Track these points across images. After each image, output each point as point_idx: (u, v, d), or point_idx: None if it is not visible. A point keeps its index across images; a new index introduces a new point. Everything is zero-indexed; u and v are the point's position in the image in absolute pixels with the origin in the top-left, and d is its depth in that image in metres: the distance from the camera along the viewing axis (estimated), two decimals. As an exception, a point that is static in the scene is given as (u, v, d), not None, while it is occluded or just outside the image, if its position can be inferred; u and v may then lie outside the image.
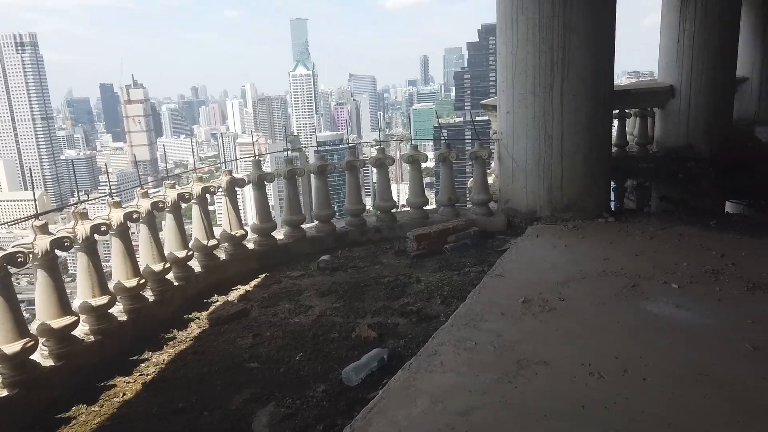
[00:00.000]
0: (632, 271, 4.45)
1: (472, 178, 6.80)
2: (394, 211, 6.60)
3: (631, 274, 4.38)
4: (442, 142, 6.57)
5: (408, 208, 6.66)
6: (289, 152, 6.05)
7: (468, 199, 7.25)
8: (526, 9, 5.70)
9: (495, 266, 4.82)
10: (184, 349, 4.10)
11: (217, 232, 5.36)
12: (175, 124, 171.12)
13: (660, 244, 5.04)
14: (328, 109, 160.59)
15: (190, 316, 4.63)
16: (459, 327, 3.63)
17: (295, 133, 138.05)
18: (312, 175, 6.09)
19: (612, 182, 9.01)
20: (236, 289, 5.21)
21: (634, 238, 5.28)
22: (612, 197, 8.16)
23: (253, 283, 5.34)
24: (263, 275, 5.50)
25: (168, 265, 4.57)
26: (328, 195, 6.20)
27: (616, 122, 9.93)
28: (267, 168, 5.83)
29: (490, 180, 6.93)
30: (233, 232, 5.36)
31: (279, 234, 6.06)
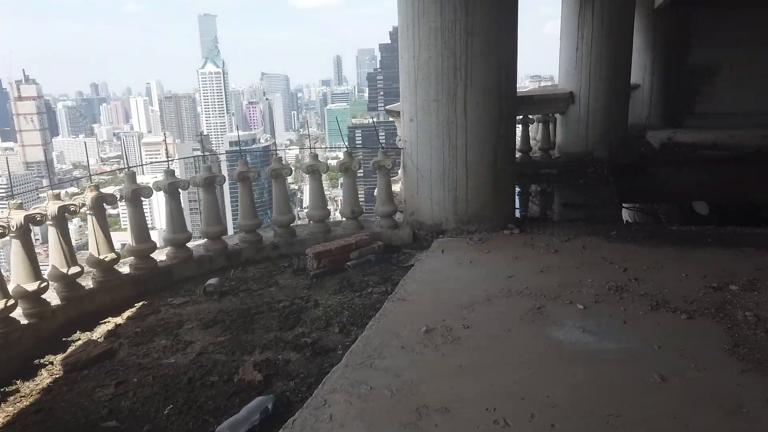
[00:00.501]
0: (537, 290, 4.22)
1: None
2: (294, 225, 6.09)
3: (537, 294, 4.14)
4: (344, 150, 6.14)
5: (309, 222, 6.18)
6: (202, 155, 5.38)
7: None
8: (427, 12, 5.38)
9: (397, 288, 4.44)
10: (26, 406, 3.38)
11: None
12: (73, 123, 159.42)
13: (564, 259, 4.88)
14: (239, 108, 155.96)
15: (42, 360, 3.89)
16: (354, 367, 3.20)
17: (205, 133, 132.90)
18: (199, 189, 5.45)
19: (517, 188, 8.99)
20: (105, 322, 4.49)
21: (539, 252, 5.10)
22: (517, 203, 8.11)
23: (127, 314, 4.64)
24: (140, 304, 4.81)
25: (12, 302, 3.80)
26: (218, 209, 5.59)
27: (519, 128, 9.96)
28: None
29: (397, 189, 6.57)
30: (102, 256, 4.63)
31: (161, 255, 5.37)
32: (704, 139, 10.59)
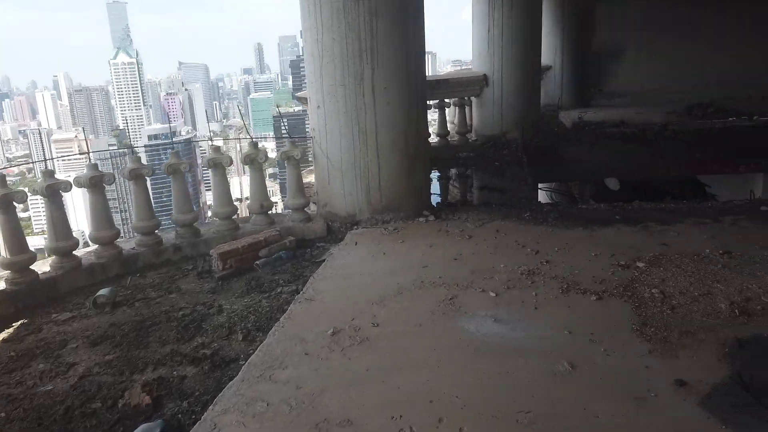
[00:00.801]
0: (451, 278, 4.06)
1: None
2: (198, 223, 5.65)
3: (450, 283, 3.99)
4: (251, 141, 5.74)
5: (216, 219, 5.76)
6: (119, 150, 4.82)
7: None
8: (327, -9, 5.06)
9: (306, 287, 4.16)
10: None
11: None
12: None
13: (478, 244, 4.76)
14: (157, 100, 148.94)
15: None
16: (251, 381, 2.90)
17: (121, 127, 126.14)
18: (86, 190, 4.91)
19: (437, 172, 8.88)
20: (-26, 348, 3.94)
21: (453, 239, 4.96)
22: (438, 189, 7.99)
23: (2, 336, 4.10)
24: (19, 323, 4.27)
25: None
26: (108, 211, 5.07)
27: (436, 112, 9.85)
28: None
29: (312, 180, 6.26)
30: (-33, 273, 4.06)
31: (45, 265, 4.81)
32: (612, 117, 10.91)
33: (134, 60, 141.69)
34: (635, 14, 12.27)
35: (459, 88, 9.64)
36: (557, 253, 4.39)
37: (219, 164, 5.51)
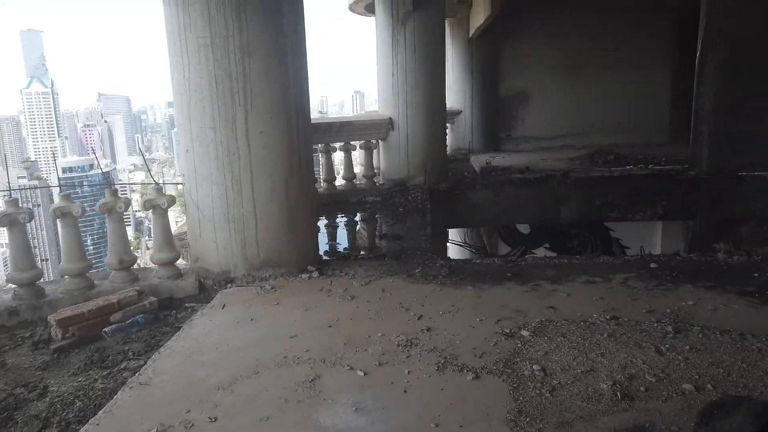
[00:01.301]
0: (319, 352, 3.53)
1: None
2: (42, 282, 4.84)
3: (317, 359, 3.45)
4: (111, 188, 5.04)
5: (65, 278, 4.96)
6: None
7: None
8: (194, 26, 4.55)
9: (145, 366, 3.49)
10: None
11: None
12: None
13: (359, 307, 4.27)
14: (74, 131, 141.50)
15: None
16: None
17: (32, 159, 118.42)
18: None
19: (343, 217, 8.42)
20: None
21: (334, 300, 4.45)
22: (346, 234, 7.51)
23: None
24: None
25: None
26: None
27: (342, 155, 9.47)
28: None
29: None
30: None
31: None
32: (519, 162, 10.94)
33: (49, 89, 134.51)
34: (541, 61, 12.57)
35: (364, 131, 9.33)
36: (441, 318, 3.97)
37: (68, 214, 4.76)
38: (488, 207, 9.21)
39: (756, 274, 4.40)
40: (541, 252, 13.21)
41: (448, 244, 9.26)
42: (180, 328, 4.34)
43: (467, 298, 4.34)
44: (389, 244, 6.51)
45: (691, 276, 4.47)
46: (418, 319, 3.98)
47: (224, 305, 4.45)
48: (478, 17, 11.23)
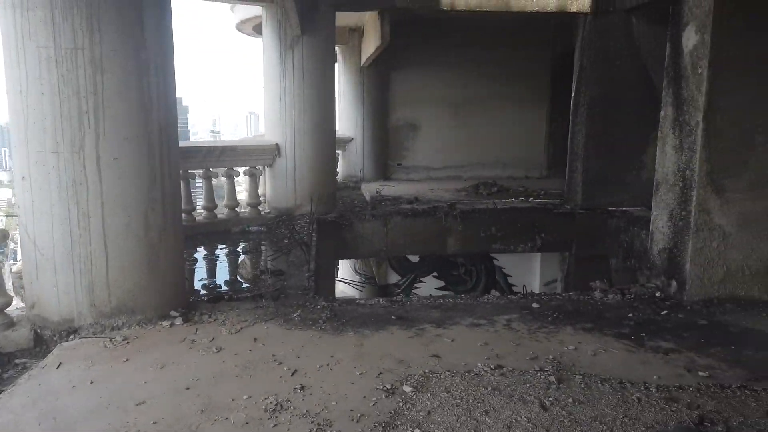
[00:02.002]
0: (170, 424, 2.97)
1: None
2: None
3: (166, 433, 2.89)
4: None
5: None
6: None
7: None
8: (36, 34, 3.85)
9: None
10: None
11: None
12: None
13: (225, 362, 3.74)
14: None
15: None
16: None
17: None
18: None
19: (224, 248, 7.76)
20: None
21: (197, 354, 3.88)
22: (227, 266, 6.88)
23: None
24: None
25: None
26: None
27: (224, 180, 8.84)
28: None
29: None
30: None
31: None
32: (408, 192, 10.88)
33: None
34: (430, 93, 12.73)
35: (249, 156, 8.77)
36: (318, 373, 3.55)
37: None
38: (377, 238, 8.97)
39: (630, 314, 4.45)
40: (430, 280, 13.25)
41: (336, 280, 8.86)
42: (2, 392, 3.55)
43: (348, 346, 3.96)
44: (269, 281, 5.99)
45: (571, 317, 4.43)
46: (292, 375, 3.53)
47: (60, 363, 3.71)
48: (370, 46, 11.15)
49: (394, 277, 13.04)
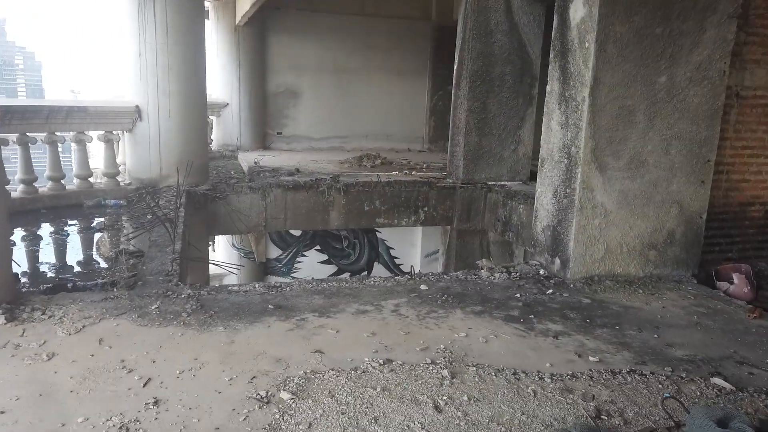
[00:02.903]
0: (-32, 469, 2.22)
1: None
2: None
3: (-40, 483, 2.15)
4: None
5: None
6: None
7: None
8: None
9: None
10: None
11: None
12: None
13: (59, 372, 2.98)
14: None
15: None
16: None
17: None
18: None
19: (75, 223, 6.65)
20: None
21: (21, 362, 3.06)
22: (80, 244, 5.84)
23: None
24: None
25: None
26: None
27: (74, 147, 7.60)
28: None
29: None
30: None
31: None
32: (289, 163, 10.21)
33: None
34: (311, 60, 12.01)
35: (103, 119, 7.57)
36: (177, 382, 2.93)
37: None
38: (255, 212, 8.26)
39: (518, 294, 4.30)
40: (312, 254, 12.75)
41: (208, 262, 8.04)
42: None
43: (216, 345, 3.36)
44: (125, 265, 5.12)
45: (460, 299, 4.18)
46: (144, 385, 2.88)
47: None
48: (245, 2, 10.14)
49: (274, 252, 12.37)
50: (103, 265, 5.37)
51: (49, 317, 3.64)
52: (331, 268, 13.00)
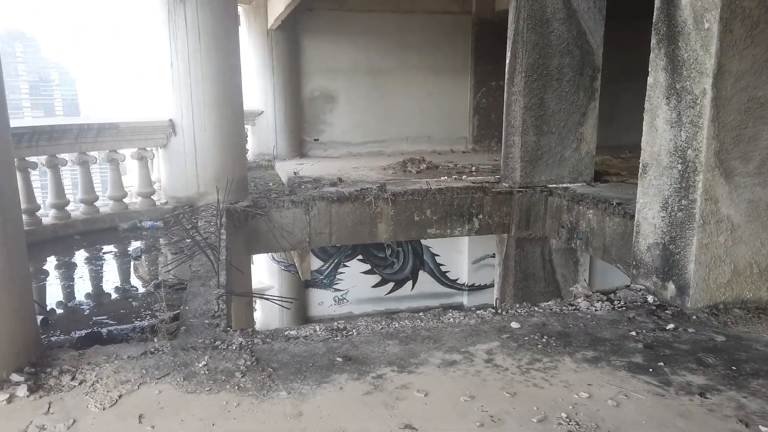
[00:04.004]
0: None
1: None
2: None
3: None
4: None
5: None
6: None
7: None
8: None
9: None
10: None
11: None
12: None
13: (88, 472, 2.33)
14: None
15: None
16: None
17: None
18: None
19: (112, 248, 6.13)
20: None
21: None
22: (118, 274, 5.29)
23: None
24: None
25: None
26: None
27: (108, 167, 7.08)
28: None
29: None
30: None
31: None
32: (329, 171, 9.56)
33: None
34: (346, 61, 11.33)
35: (136, 136, 7.03)
36: (238, 481, 2.25)
37: None
38: (298, 227, 7.62)
39: (633, 332, 3.50)
40: (354, 264, 12.09)
41: (252, 296, 7.42)
42: None
43: (281, 418, 2.67)
44: (164, 303, 4.50)
45: (564, 341, 3.41)
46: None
47: None
48: (277, 5, 9.51)
49: (315, 263, 11.74)
50: (142, 299, 4.77)
51: (80, 383, 3.02)
52: (375, 278, 12.31)
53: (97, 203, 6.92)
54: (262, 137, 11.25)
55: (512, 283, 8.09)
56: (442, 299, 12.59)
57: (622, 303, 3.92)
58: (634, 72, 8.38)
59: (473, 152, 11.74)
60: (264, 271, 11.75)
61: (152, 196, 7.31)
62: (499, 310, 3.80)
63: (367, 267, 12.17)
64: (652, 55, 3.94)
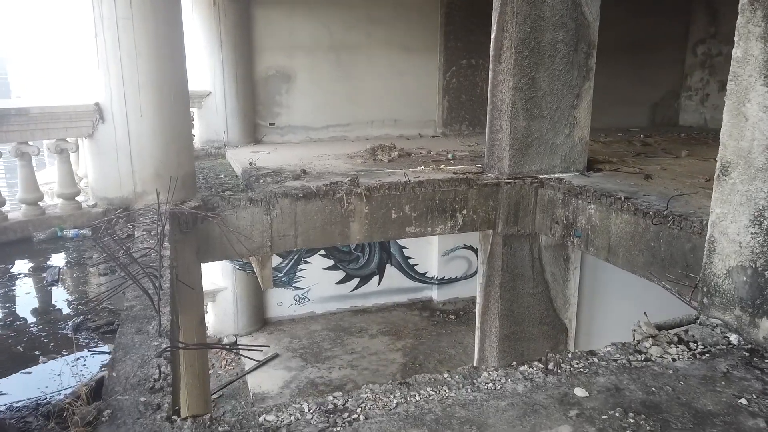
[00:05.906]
0: None
1: None
2: None
3: None
4: None
5: None
6: None
7: None
8: None
9: None
10: None
11: None
12: None
13: None
14: None
15: None
16: None
17: None
18: None
19: (28, 262, 4.71)
20: None
21: None
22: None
23: None
24: None
25: None
26: None
27: (17, 163, 5.55)
28: None
29: None
30: None
31: None
32: (290, 159, 8.27)
33: None
34: (304, 37, 9.93)
35: (52, 124, 5.52)
36: None
37: None
38: (258, 230, 6.36)
39: (742, 400, 2.53)
40: (316, 259, 10.89)
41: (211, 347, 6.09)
42: None
43: None
44: (86, 370, 3.20)
45: (656, 418, 2.40)
46: None
47: None
48: (226, -32, 8.00)
49: (274, 260, 10.44)
50: (56, 346, 3.43)
51: None
52: (339, 274, 11.16)
53: (4, 208, 5.40)
54: (211, 122, 9.75)
55: (499, 285, 7.14)
56: (410, 294, 11.60)
57: (701, 347, 2.96)
58: (607, 50, 7.48)
59: (443, 137, 10.67)
60: (217, 271, 10.37)
61: (77, 198, 5.84)
62: (551, 366, 2.74)
63: (330, 262, 11.00)
64: (741, 19, 2.92)
